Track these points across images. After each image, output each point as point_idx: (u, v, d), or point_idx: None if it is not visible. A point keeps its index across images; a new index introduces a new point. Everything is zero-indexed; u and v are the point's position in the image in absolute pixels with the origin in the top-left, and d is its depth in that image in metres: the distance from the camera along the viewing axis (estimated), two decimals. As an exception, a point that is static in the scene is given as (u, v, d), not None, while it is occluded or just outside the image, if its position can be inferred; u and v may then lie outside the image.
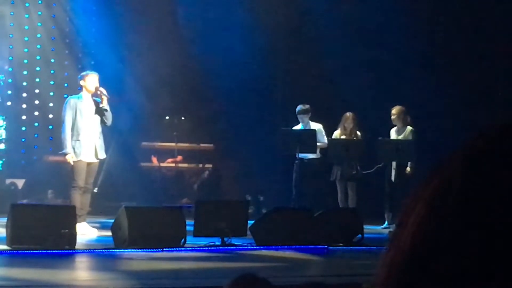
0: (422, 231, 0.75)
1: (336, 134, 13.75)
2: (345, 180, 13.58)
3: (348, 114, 13.79)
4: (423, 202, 0.77)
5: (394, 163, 13.38)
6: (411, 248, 0.75)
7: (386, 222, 13.45)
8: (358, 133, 13.73)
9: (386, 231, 12.91)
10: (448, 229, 0.74)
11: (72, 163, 11.37)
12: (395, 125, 13.63)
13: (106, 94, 11.49)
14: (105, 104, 11.47)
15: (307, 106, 13.60)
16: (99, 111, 11.45)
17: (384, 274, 0.77)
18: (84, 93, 11.56)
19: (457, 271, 0.72)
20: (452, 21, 15.62)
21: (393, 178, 13.42)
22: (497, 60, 15.36)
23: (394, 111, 13.57)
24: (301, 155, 13.21)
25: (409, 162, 13.31)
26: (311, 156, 13.46)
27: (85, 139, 11.38)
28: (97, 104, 11.50)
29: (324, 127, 13.68)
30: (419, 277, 0.74)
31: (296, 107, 13.74)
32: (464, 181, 0.75)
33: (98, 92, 11.46)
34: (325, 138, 13.52)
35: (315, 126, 13.56)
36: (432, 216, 0.75)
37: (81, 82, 11.58)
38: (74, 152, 11.32)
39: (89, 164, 11.44)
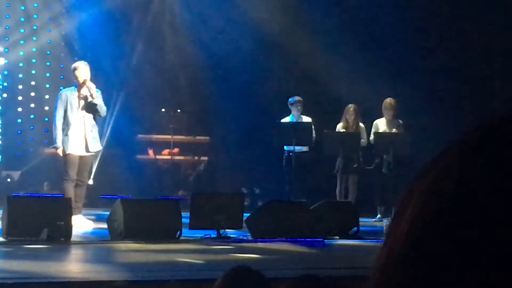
0: (420, 221, 0.75)
1: (339, 126, 13.70)
2: (346, 173, 13.50)
3: (349, 106, 13.73)
4: (420, 193, 0.77)
5: (385, 156, 13.38)
6: (408, 238, 0.75)
7: (379, 215, 13.45)
8: (361, 125, 13.65)
9: (379, 223, 12.91)
10: (445, 219, 0.74)
11: (62, 157, 11.35)
12: (381, 116, 13.59)
13: (93, 90, 11.19)
14: (95, 99, 11.22)
15: (299, 98, 13.55)
16: (89, 106, 11.32)
17: (380, 266, 0.77)
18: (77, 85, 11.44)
19: (455, 260, 0.72)
20: (448, 16, 15.60)
21: (384, 170, 13.42)
22: (493, 54, 15.35)
23: (385, 103, 13.54)
24: (291, 148, 13.15)
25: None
26: (301, 149, 13.41)
27: (74, 133, 11.25)
28: (86, 98, 11.27)
29: (315, 121, 13.61)
30: (416, 266, 0.74)
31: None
32: (461, 171, 0.75)
33: (86, 87, 11.22)
34: (314, 132, 13.46)
35: (306, 119, 13.51)
36: (429, 207, 0.75)
37: (73, 74, 11.47)
38: (64, 145, 11.26)
39: (81, 157, 11.36)
